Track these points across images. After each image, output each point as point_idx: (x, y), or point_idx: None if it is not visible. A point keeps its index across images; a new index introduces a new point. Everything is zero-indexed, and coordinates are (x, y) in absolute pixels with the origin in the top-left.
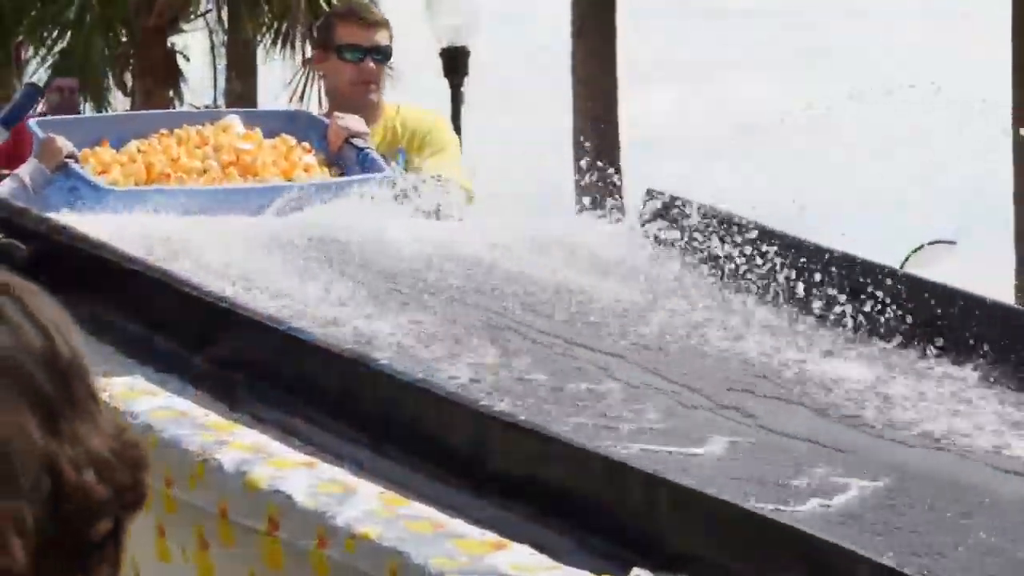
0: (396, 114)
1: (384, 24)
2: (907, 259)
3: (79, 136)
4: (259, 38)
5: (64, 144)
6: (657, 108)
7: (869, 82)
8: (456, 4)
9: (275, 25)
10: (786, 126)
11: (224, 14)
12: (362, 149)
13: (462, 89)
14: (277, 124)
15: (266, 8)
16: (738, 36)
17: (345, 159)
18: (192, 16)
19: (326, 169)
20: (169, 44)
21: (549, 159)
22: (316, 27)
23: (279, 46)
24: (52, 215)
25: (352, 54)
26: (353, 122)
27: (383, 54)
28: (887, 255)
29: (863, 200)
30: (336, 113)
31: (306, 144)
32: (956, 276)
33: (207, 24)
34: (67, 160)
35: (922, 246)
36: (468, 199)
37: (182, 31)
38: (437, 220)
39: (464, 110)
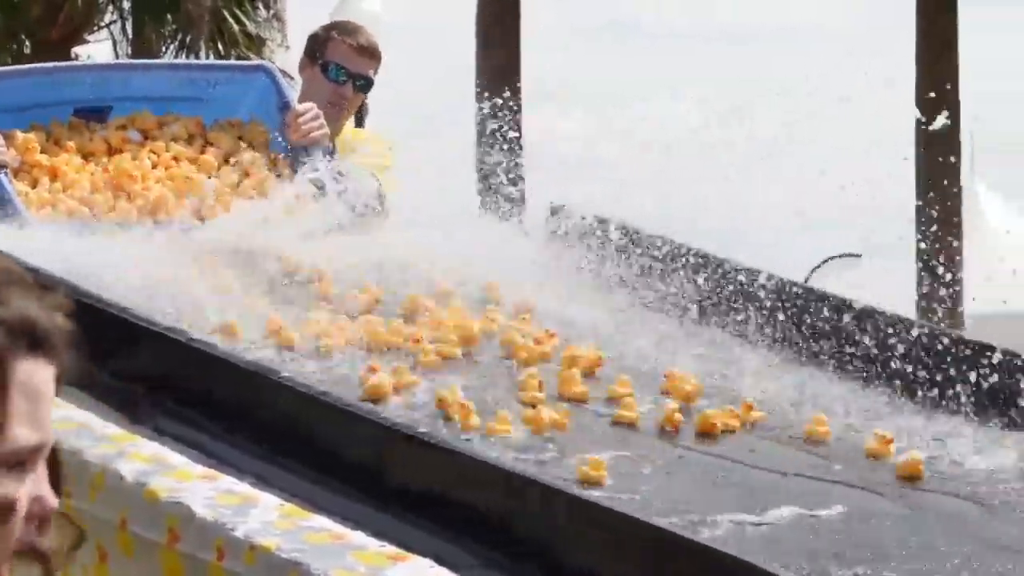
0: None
1: (376, 56)
2: (812, 272)
3: None
4: (163, 48)
5: None
6: (562, 127)
7: (775, 100)
8: (359, 15)
9: (179, 35)
10: (692, 144)
11: (128, 25)
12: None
13: (365, 101)
14: (233, 86)
15: (170, 18)
16: (645, 56)
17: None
18: (96, 27)
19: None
20: (73, 55)
21: (453, 175)
22: (311, 34)
23: (183, 56)
24: None
25: (336, 74)
26: (319, 133)
27: (365, 84)
28: (796, 270)
29: (770, 216)
30: (303, 110)
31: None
32: (861, 289)
33: (111, 35)
34: None
35: (827, 260)
36: (380, 197)
37: (86, 42)
38: (355, 214)
39: (368, 122)
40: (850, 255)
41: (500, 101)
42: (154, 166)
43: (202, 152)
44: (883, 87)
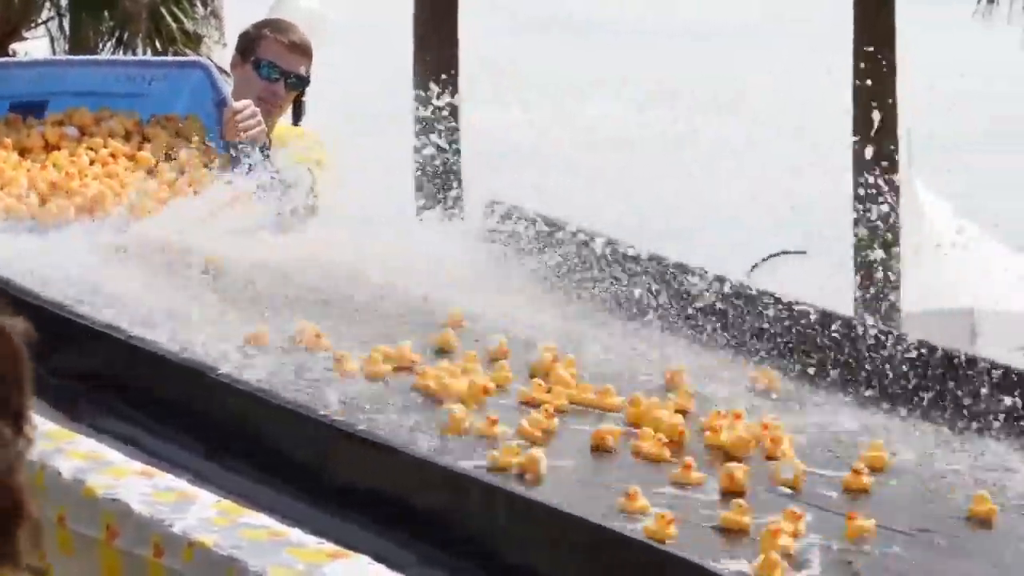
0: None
1: (308, 53)
2: (753, 269)
3: None
4: (100, 45)
5: None
6: (501, 123)
7: (715, 97)
8: (297, 13)
9: (116, 32)
10: (634, 142)
11: (65, 22)
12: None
13: (303, 99)
14: (169, 82)
15: (107, 15)
16: (586, 52)
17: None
18: (33, 24)
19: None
20: (11, 51)
21: (391, 172)
22: (242, 32)
23: (121, 53)
24: None
25: (268, 72)
26: (256, 131)
27: (298, 81)
28: (739, 267)
29: (713, 213)
30: (240, 107)
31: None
32: (804, 286)
33: (48, 32)
34: None
35: (770, 256)
36: (312, 191)
37: (24, 39)
38: (289, 210)
39: (308, 120)
40: (794, 252)
41: (436, 97)
42: (91, 162)
43: (139, 148)
44: (825, 84)
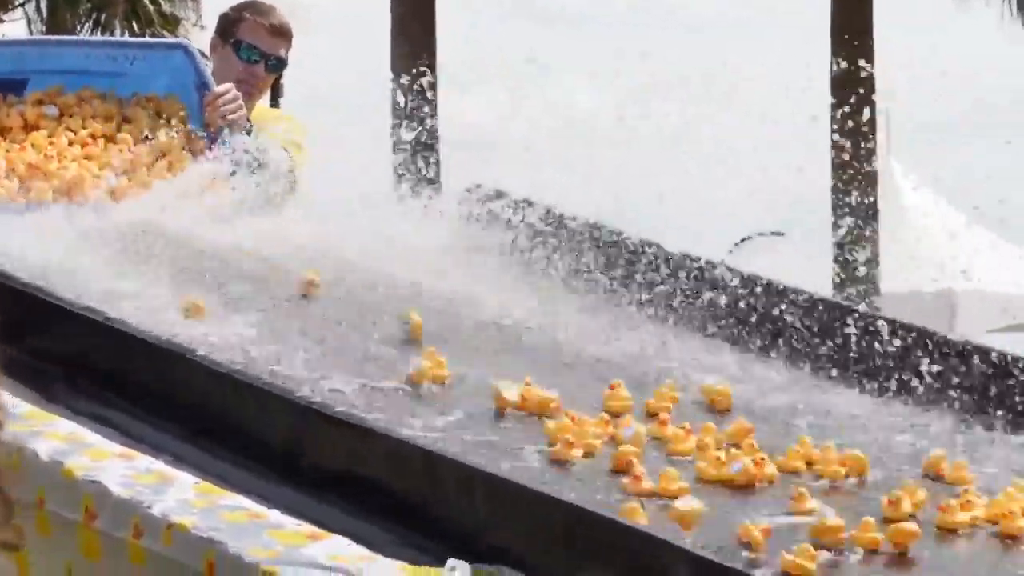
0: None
1: (288, 36)
2: (731, 251)
3: None
4: (78, 28)
5: None
6: (477, 109)
7: (692, 81)
8: None
9: (94, 15)
10: (608, 127)
11: (43, 3)
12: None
13: (280, 82)
14: (150, 63)
15: None
16: (559, 38)
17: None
18: (11, 6)
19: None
20: None
21: (368, 157)
22: (222, 13)
23: (99, 35)
24: None
25: (248, 54)
26: (237, 115)
27: (278, 64)
28: (717, 250)
29: (690, 196)
30: (222, 91)
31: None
32: (783, 267)
33: (26, 14)
34: None
35: (749, 237)
36: (291, 173)
37: (1, 21)
38: (269, 193)
39: (285, 104)
40: (773, 233)
41: (411, 82)
42: (70, 143)
43: (119, 129)
44: (805, 68)
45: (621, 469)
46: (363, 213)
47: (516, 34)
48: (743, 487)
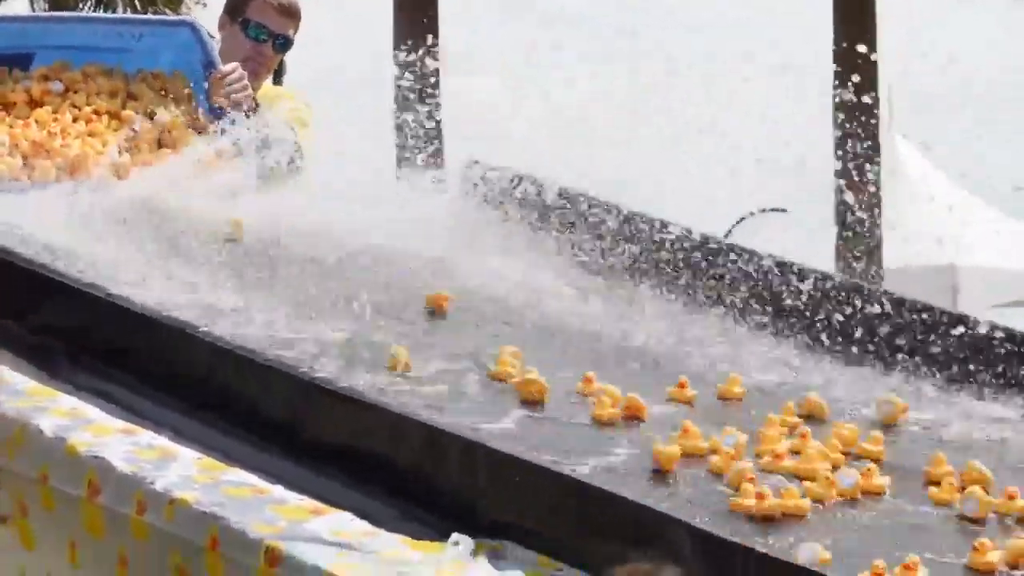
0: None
1: (296, 15)
2: (732, 228)
3: None
4: (80, 5)
5: None
6: (480, 94)
7: (690, 56)
8: None
9: None
10: (614, 100)
11: None
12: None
13: (283, 61)
14: (156, 39)
15: None
16: (560, 18)
17: (219, 110)
18: None
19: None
20: None
21: (371, 141)
22: None
23: (101, 12)
24: None
25: (257, 33)
26: (242, 95)
27: (285, 44)
28: (718, 225)
29: (692, 174)
30: (228, 71)
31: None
32: (785, 244)
33: None
34: None
35: (751, 214)
36: (298, 150)
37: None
38: (274, 170)
39: (288, 81)
40: (775, 210)
41: (416, 60)
42: (74, 120)
43: (124, 106)
44: (807, 45)
45: (735, 484)
46: (364, 188)
47: (518, 15)
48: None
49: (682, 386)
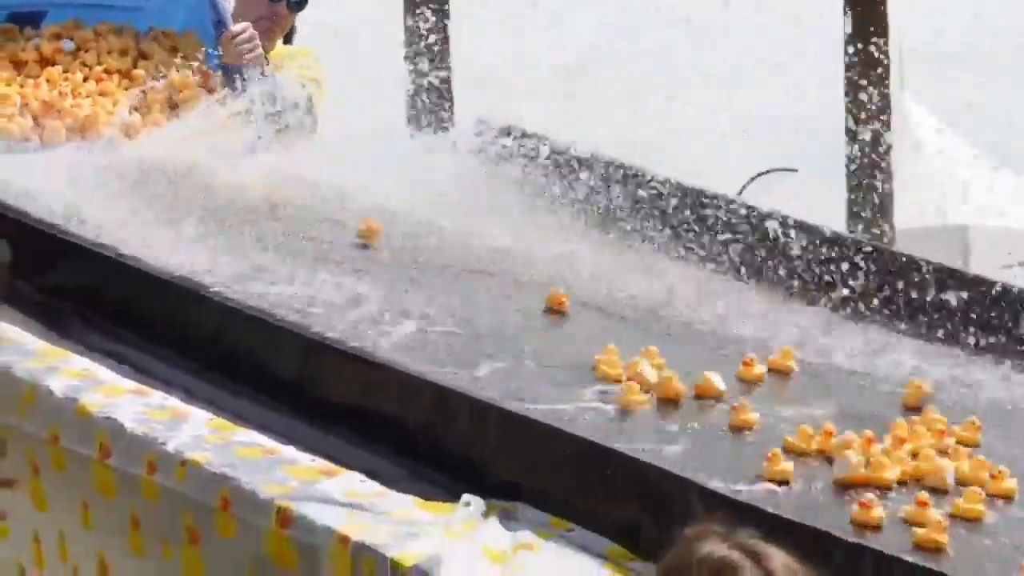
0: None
1: None
2: (744, 186)
3: None
4: None
5: None
6: (488, 48)
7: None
8: None
9: None
10: (624, 62)
11: None
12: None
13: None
14: None
15: None
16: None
17: (230, 70)
18: None
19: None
20: None
21: (381, 95)
22: None
23: None
24: None
25: None
26: (253, 55)
27: (299, 3)
28: (728, 184)
29: (701, 131)
30: (238, 31)
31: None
32: (795, 203)
33: None
34: None
35: (761, 173)
36: (311, 106)
37: None
38: (286, 127)
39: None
40: (785, 169)
41: (428, 15)
42: (85, 79)
43: (135, 65)
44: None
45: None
46: (375, 147)
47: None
48: None
49: (748, 364)
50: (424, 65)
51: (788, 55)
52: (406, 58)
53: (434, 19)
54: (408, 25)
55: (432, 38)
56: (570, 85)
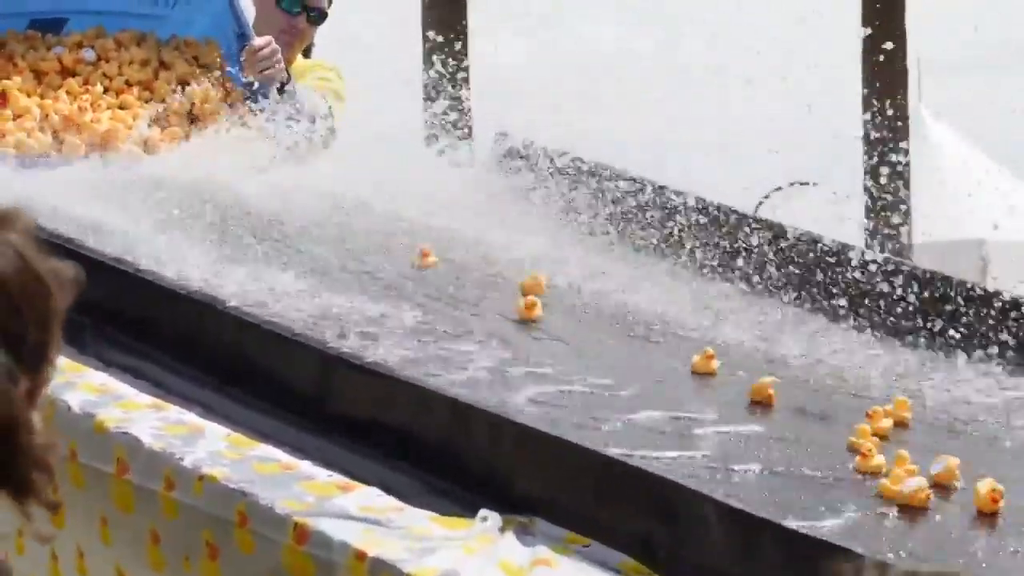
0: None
1: None
2: (762, 201)
3: None
4: None
5: None
6: (508, 54)
7: (723, 27)
8: None
9: None
10: (642, 71)
11: None
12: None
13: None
14: (191, 6)
15: None
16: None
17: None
18: None
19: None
20: None
21: (399, 104)
22: None
23: None
24: None
25: (291, 6)
26: (275, 70)
27: (319, 16)
28: (746, 197)
29: (721, 142)
30: (261, 45)
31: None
32: (814, 217)
33: None
34: None
35: (780, 187)
36: (330, 119)
37: None
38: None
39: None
40: (802, 183)
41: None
42: (105, 91)
43: (156, 75)
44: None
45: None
46: (393, 159)
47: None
48: None
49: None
50: (442, 76)
51: (804, 66)
52: (424, 67)
53: (452, 33)
54: (426, 35)
55: (451, 48)
56: (587, 98)
